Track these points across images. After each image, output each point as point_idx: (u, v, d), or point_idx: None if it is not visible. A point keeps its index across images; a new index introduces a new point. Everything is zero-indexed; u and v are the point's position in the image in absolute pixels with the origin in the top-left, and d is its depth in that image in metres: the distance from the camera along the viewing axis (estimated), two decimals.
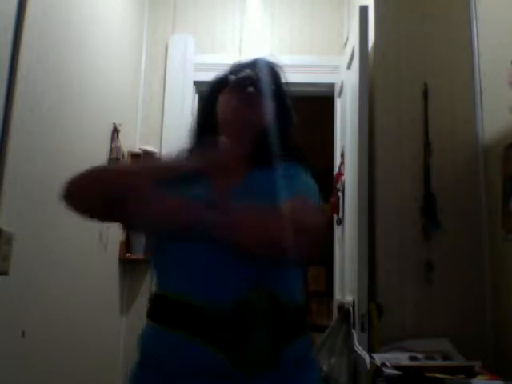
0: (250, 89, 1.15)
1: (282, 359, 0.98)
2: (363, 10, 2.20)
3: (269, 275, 0.99)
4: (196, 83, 3.09)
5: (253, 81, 1.16)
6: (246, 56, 1.30)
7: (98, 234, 2.37)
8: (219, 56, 3.10)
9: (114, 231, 2.63)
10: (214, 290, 0.98)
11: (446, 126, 2.21)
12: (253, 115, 1.16)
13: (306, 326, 1.08)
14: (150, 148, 2.93)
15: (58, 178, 1.86)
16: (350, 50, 2.43)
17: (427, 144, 2.18)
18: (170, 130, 3.02)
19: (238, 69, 1.22)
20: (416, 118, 2.22)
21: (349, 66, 2.50)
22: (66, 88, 1.93)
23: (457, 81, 2.24)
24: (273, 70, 1.22)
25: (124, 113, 2.76)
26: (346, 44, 2.75)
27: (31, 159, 1.65)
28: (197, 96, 3.15)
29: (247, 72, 1.18)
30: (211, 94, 1.23)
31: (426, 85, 2.23)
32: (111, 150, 2.51)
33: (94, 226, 2.31)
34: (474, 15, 2.25)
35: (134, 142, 2.95)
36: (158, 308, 1.05)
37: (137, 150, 2.92)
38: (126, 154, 2.74)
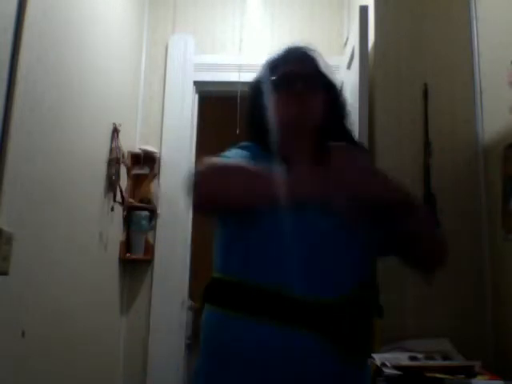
0: (297, 85, 1.09)
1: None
2: (363, 10, 2.20)
3: (371, 272, 1.03)
4: (196, 83, 3.09)
5: (297, 76, 1.10)
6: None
7: (98, 234, 2.37)
8: (219, 56, 3.10)
9: (114, 231, 2.64)
10: (319, 284, 0.96)
11: (445, 125, 2.21)
12: (307, 113, 1.10)
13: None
14: (150, 148, 2.93)
15: (58, 178, 1.88)
16: (350, 50, 2.43)
17: (427, 144, 2.18)
18: (170, 130, 3.02)
19: (275, 65, 1.16)
20: (416, 118, 2.22)
21: (349, 66, 2.50)
22: (65, 88, 1.93)
23: (457, 81, 2.24)
24: (310, 58, 1.17)
25: (124, 113, 2.76)
26: (345, 44, 2.75)
27: (31, 159, 1.65)
28: (197, 96, 3.16)
29: (288, 68, 1.12)
30: (255, 99, 1.17)
31: (425, 85, 2.23)
32: (111, 150, 2.51)
33: (93, 226, 2.31)
34: (474, 15, 2.25)
35: (134, 141, 2.95)
36: (242, 298, 0.98)
37: (137, 149, 2.92)
38: (126, 154, 2.74)
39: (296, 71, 1.11)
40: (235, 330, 0.98)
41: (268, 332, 0.94)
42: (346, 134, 1.15)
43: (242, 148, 1.15)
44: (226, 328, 0.99)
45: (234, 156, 1.11)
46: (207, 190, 0.97)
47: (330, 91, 1.15)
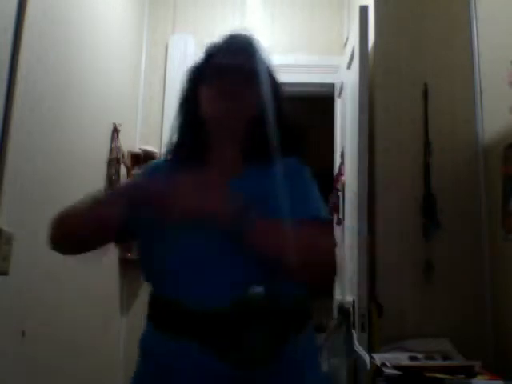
0: (231, 77, 1.05)
1: (281, 358, 0.95)
2: (363, 10, 2.20)
3: (266, 274, 0.95)
4: None
5: (232, 67, 1.06)
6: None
7: None
8: None
9: None
10: (209, 290, 0.95)
11: (446, 126, 2.21)
12: (239, 107, 1.06)
13: (306, 323, 1.05)
14: (150, 148, 2.93)
15: (58, 178, 1.88)
16: (350, 50, 2.43)
17: (427, 144, 2.18)
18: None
19: (214, 53, 1.12)
20: (416, 118, 2.22)
21: (349, 66, 2.50)
22: (65, 88, 1.93)
23: (457, 81, 2.24)
24: (251, 48, 1.11)
25: (124, 113, 2.76)
26: (346, 44, 2.75)
27: (31, 159, 1.65)
28: None
29: (225, 58, 1.08)
30: (190, 87, 1.14)
31: (426, 85, 2.23)
32: (111, 150, 2.51)
33: None
34: (474, 15, 2.25)
35: (133, 142, 2.95)
36: (153, 309, 1.03)
37: (137, 150, 2.92)
38: (126, 154, 2.74)
39: (232, 63, 1.07)
40: (149, 340, 1.02)
41: (164, 343, 0.97)
42: (281, 131, 1.09)
43: (151, 168, 1.17)
44: (144, 337, 1.04)
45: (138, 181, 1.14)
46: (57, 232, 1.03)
47: (266, 82, 1.09)
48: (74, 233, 1.08)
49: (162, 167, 1.15)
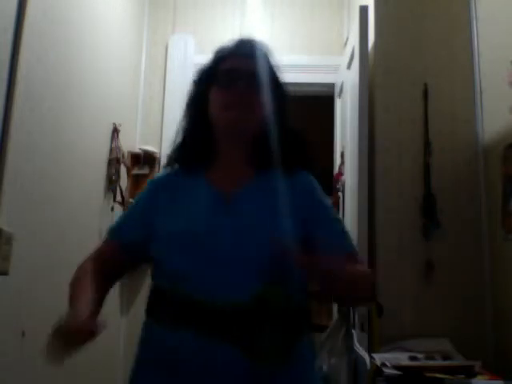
0: (241, 84, 1.05)
1: (294, 355, 0.98)
2: (363, 10, 2.20)
3: (281, 273, 0.98)
4: None
5: (241, 73, 1.06)
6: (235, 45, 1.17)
7: (98, 233, 2.37)
8: None
9: None
10: (228, 286, 0.96)
11: (445, 126, 2.21)
12: (247, 114, 1.06)
13: (310, 325, 1.07)
14: (150, 148, 2.93)
15: (58, 177, 1.88)
16: (350, 50, 2.43)
17: (427, 144, 2.18)
18: (170, 130, 3.00)
19: (223, 57, 1.11)
20: (416, 118, 2.22)
21: (349, 66, 2.50)
22: (65, 88, 1.93)
23: (457, 81, 2.24)
24: (260, 53, 1.11)
25: (124, 113, 2.76)
26: (346, 44, 2.75)
27: (31, 159, 1.64)
28: None
29: (234, 63, 1.08)
30: (198, 89, 1.14)
31: (426, 85, 2.23)
32: (111, 150, 2.51)
33: (93, 226, 2.31)
34: (474, 15, 2.25)
35: (133, 142, 2.95)
36: (160, 306, 1.02)
37: (137, 150, 2.92)
38: (125, 154, 2.74)
39: (241, 68, 1.06)
40: (153, 335, 1.02)
41: (178, 337, 0.96)
42: (287, 137, 1.11)
43: (154, 184, 1.17)
44: (148, 334, 1.04)
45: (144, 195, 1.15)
46: None
47: (275, 89, 1.09)
48: None
49: (165, 182, 1.14)
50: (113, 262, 1.12)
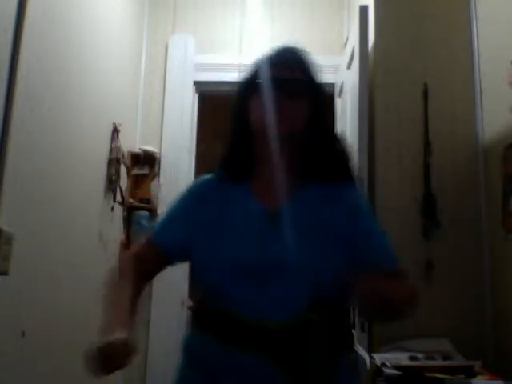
0: (281, 92, 1.05)
1: (335, 373, 0.99)
2: (363, 10, 2.20)
3: (330, 295, 0.99)
4: (196, 83, 3.09)
5: (282, 82, 1.06)
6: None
7: (98, 233, 2.38)
8: (219, 56, 3.10)
9: (114, 231, 2.64)
10: (273, 308, 0.97)
11: (445, 125, 2.21)
12: (289, 122, 1.06)
13: (353, 340, 1.10)
14: (150, 148, 2.93)
15: (58, 177, 1.88)
16: (350, 50, 2.43)
17: (427, 144, 2.18)
18: (170, 130, 3.02)
19: (264, 67, 1.11)
20: (416, 118, 2.22)
21: (349, 66, 2.50)
22: (65, 88, 1.93)
23: (457, 81, 2.24)
24: (302, 62, 1.12)
25: (124, 113, 2.76)
26: (346, 44, 2.75)
27: (31, 159, 1.64)
28: (197, 96, 3.16)
29: (276, 71, 1.08)
30: (241, 99, 1.13)
31: (426, 85, 2.23)
32: (111, 149, 2.51)
33: (93, 226, 2.31)
34: (474, 15, 2.25)
35: (133, 142, 2.95)
36: (210, 321, 1.04)
37: (137, 149, 2.92)
38: (126, 154, 2.74)
39: (282, 77, 1.07)
40: (206, 350, 1.03)
41: (222, 353, 0.99)
42: (329, 145, 1.12)
43: (198, 187, 1.18)
44: (193, 345, 1.07)
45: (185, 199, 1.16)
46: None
47: (316, 99, 1.10)
48: None
49: (211, 192, 1.15)
50: (151, 264, 1.14)
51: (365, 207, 1.13)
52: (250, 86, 1.11)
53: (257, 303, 0.98)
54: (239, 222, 1.07)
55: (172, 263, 1.16)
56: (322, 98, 1.13)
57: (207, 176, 1.19)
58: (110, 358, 0.87)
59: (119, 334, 0.92)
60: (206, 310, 1.06)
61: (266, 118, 1.05)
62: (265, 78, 1.08)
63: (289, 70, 1.08)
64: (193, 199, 1.16)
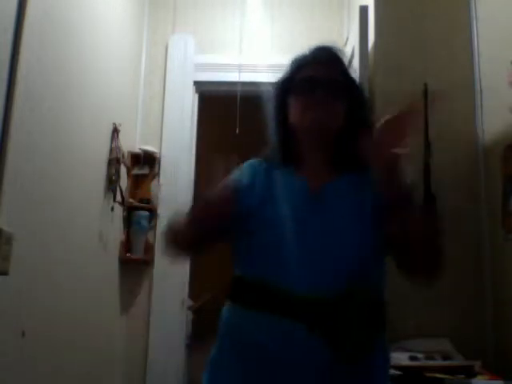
0: (320, 90, 1.10)
1: (375, 351, 1.03)
2: (363, 10, 2.20)
3: (368, 270, 1.05)
4: (196, 83, 3.09)
5: (319, 81, 1.11)
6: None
7: (98, 234, 2.37)
8: (219, 56, 3.10)
9: (114, 231, 2.64)
10: (318, 281, 1.01)
11: (446, 125, 2.21)
12: (328, 117, 1.12)
13: (386, 321, 1.11)
14: (150, 148, 2.93)
15: (58, 177, 1.88)
16: (350, 50, 2.43)
17: (427, 144, 2.18)
18: (170, 130, 3.02)
19: (302, 65, 1.17)
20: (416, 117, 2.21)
21: (349, 66, 2.49)
22: (65, 88, 1.93)
23: (457, 81, 2.24)
24: (336, 61, 1.17)
25: (124, 113, 2.76)
26: (346, 44, 2.75)
27: (31, 159, 1.65)
28: (197, 96, 3.16)
29: (312, 71, 1.13)
30: (279, 98, 1.19)
31: (426, 85, 2.23)
32: (111, 149, 2.51)
33: (93, 226, 2.31)
34: (474, 15, 2.25)
35: (133, 141, 2.95)
36: (252, 294, 1.07)
37: (137, 149, 2.92)
38: (126, 154, 2.74)
39: (319, 75, 1.12)
40: (242, 322, 1.07)
41: (267, 324, 1.02)
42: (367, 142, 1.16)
43: (250, 166, 1.22)
44: (235, 320, 1.09)
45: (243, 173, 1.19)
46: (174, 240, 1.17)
47: (352, 96, 1.15)
48: (190, 246, 1.21)
49: (258, 167, 1.19)
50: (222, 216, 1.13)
51: None
52: (287, 84, 1.17)
53: (301, 276, 1.01)
54: (287, 196, 1.11)
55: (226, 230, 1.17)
56: (358, 96, 1.18)
57: (253, 160, 1.23)
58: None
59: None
60: (248, 284, 1.08)
61: (303, 113, 1.11)
62: (302, 77, 1.13)
63: (325, 69, 1.13)
64: (248, 174, 1.19)
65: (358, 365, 1.00)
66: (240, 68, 2.92)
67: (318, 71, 1.13)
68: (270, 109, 1.23)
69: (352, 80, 1.18)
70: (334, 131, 1.14)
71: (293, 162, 1.17)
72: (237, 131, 2.77)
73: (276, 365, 1.00)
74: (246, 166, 1.22)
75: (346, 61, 1.20)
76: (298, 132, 1.15)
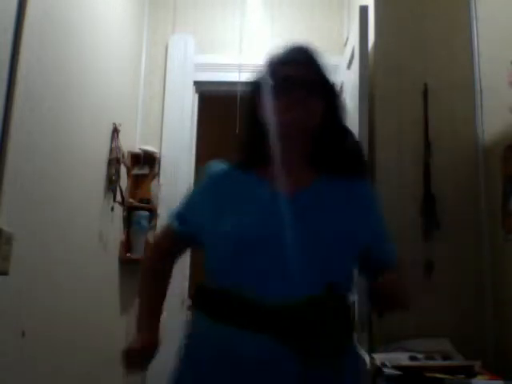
0: (295, 90, 1.08)
1: (345, 356, 1.03)
2: (363, 10, 2.20)
3: (338, 275, 1.04)
4: (196, 83, 3.09)
5: (295, 80, 1.09)
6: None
7: (98, 234, 2.37)
8: (219, 56, 3.10)
9: (114, 231, 2.64)
10: (285, 289, 0.99)
11: (445, 126, 2.21)
12: (303, 117, 1.09)
13: (354, 325, 1.14)
14: (150, 148, 2.93)
15: (58, 177, 1.88)
16: (350, 50, 2.43)
17: (427, 144, 2.18)
18: (170, 129, 3.02)
19: (274, 67, 1.15)
20: (416, 118, 2.21)
21: (349, 66, 2.49)
22: (65, 88, 1.93)
23: (457, 81, 2.24)
24: (311, 61, 1.15)
25: (124, 113, 2.76)
26: (346, 44, 2.75)
27: (31, 159, 1.65)
28: (197, 96, 3.16)
29: (287, 70, 1.11)
30: (253, 98, 1.17)
31: (426, 85, 2.23)
32: (111, 149, 2.51)
33: (93, 226, 2.31)
34: (474, 15, 2.25)
35: (133, 142, 2.95)
36: (218, 304, 1.05)
37: (137, 150, 2.92)
38: (126, 154, 2.74)
39: (295, 75, 1.10)
40: (209, 332, 1.06)
41: (233, 336, 1.00)
42: (343, 139, 1.16)
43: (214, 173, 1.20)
44: (201, 330, 1.09)
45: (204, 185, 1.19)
46: None
47: (328, 96, 1.14)
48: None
49: (221, 175, 1.17)
50: (171, 252, 1.26)
51: (375, 203, 1.22)
52: (262, 83, 1.14)
53: (268, 285, 1.00)
54: (255, 205, 1.09)
55: (188, 248, 1.27)
56: (333, 95, 1.16)
57: (220, 164, 1.21)
58: (133, 360, 1.19)
59: (144, 337, 1.22)
60: (212, 292, 1.07)
61: (278, 113, 1.09)
62: (278, 77, 1.11)
63: (300, 69, 1.11)
64: (209, 185, 1.18)
65: (328, 371, 0.99)
66: (240, 68, 2.92)
67: (293, 70, 1.11)
68: (243, 109, 1.22)
69: (328, 80, 1.16)
70: (310, 130, 1.12)
71: (264, 164, 1.14)
72: (237, 131, 2.77)
73: (245, 375, 0.98)
74: (207, 177, 1.20)
75: (320, 60, 1.17)
76: (271, 133, 1.12)
